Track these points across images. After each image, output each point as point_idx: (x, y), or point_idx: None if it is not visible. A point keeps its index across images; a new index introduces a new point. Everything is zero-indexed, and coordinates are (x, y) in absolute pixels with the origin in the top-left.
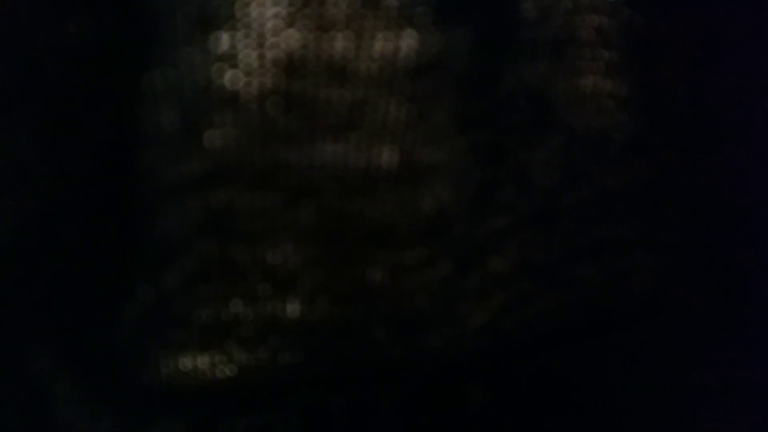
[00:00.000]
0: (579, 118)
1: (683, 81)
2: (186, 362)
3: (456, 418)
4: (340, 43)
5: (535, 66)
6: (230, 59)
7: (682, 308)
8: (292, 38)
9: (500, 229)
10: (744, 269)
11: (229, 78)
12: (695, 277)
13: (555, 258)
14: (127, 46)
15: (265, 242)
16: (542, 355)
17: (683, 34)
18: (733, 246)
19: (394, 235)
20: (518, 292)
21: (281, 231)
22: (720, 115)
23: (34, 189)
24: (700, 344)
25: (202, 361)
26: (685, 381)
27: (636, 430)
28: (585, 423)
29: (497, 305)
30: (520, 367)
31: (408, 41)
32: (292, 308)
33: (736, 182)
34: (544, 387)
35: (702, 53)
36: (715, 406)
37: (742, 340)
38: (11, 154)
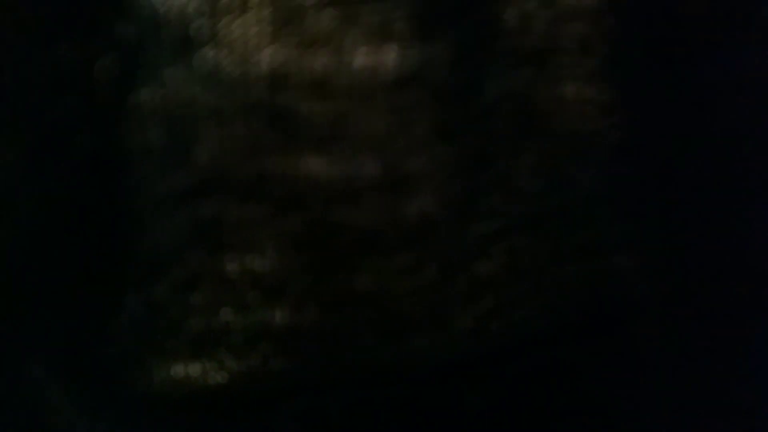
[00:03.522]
0: (562, 124)
1: (663, 87)
2: (178, 370)
3: (450, 418)
4: (321, 59)
5: (518, 74)
6: (214, 76)
7: (665, 308)
8: (274, 55)
9: (486, 234)
10: (726, 269)
11: (214, 94)
12: (678, 277)
13: (541, 261)
14: (112, 68)
15: (253, 251)
16: (530, 355)
17: (662, 41)
18: (715, 247)
19: (379, 243)
20: (505, 295)
21: (268, 240)
22: (699, 120)
23: (24, 208)
24: (683, 343)
25: (194, 369)
26: (669, 378)
27: (623, 426)
28: (574, 420)
29: (485, 308)
30: (510, 367)
31: (388, 55)
32: (281, 315)
33: (717, 185)
34: (534, 387)
35: (680, 59)
36: (698, 404)
37: (724, 337)
38: (3, 170)
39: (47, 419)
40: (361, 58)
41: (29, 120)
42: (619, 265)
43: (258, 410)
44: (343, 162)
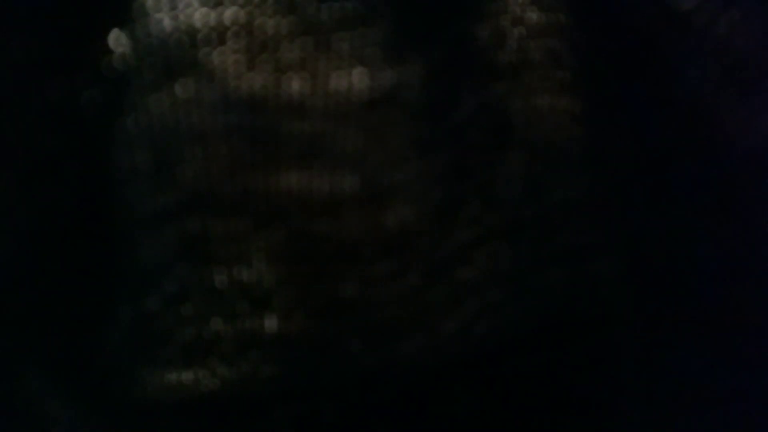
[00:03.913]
0: (538, 134)
1: (633, 95)
2: (171, 378)
3: (438, 420)
4: (296, 83)
5: (493, 88)
6: (196, 102)
7: (643, 311)
8: (252, 80)
9: (467, 241)
10: (703, 272)
11: (197, 118)
12: (654, 281)
13: (522, 266)
14: (98, 98)
15: (240, 263)
16: (513, 358)
17: (630, 53)
18: (691, 250)
19: (361, 252)
20: (487, 300)
21: (254, 252)
22: (671, 126)
23: (18, 230)
24: (661, 345)
25: (187, 377)
26: (647, 379)
27: (603, 425)
28: (557, 420)
29: (468, 313)
30: (494, 369)
31: (359, 78)
32: (270, 324)
33: (692, 190)
34: (517, 388)
35: (649, 69)
36: (676, 404)
37: (702, 340)
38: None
39: (45, 429)
40: (334, 82)
41: (21, 148)
42: (597, 269)
43: (250, 415)
44: (323, 177)
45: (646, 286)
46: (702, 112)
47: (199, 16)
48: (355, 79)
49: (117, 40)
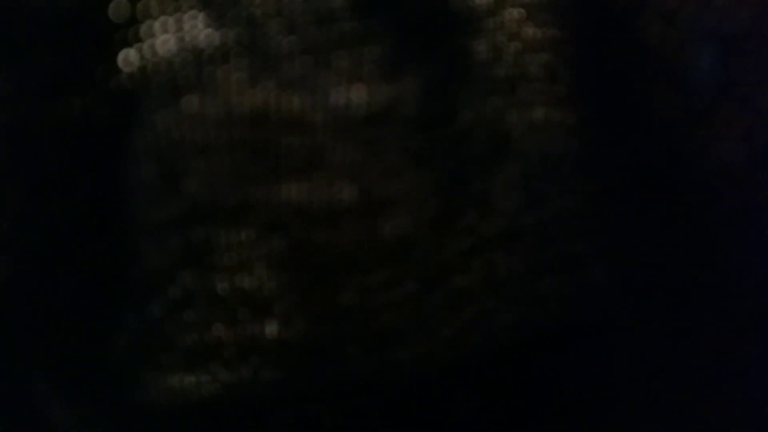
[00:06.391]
0: (533, 145)
1: (627, 108)
2: (173, 382)
3: (433, 425)
4: (297, 99)
5: (490, 101)
6: (200, 117)
7: (639, 318)
8: (254, 97)
9: (464, 250)
10: (698, 283)
11: (201, 133)
12: (650, 290)
13: (518, 274)
14: (109, 115)
15: (241, 271)
16: (509, 364)
17: (624, 66)
18: (688, 260)
19: (359, 260)
20: (484, 308)
21: (256, 261)
22: (666, 137)
23: (30, 240)
24: (655, 353)
25: (189, 381)
26: (641, 386)
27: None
28: (551, 425)
29: (464, 320)
30: (489, 376)
31: (358, 94)
32: (270, 330)
33: (687, 201)
34: (512, 394)
35: (642, 81)
36: (670, 411)
37: (696, 349)
38: (8, 211)
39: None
40: (333, 97)
41: (35, 162)
42: (592, 278)
43: (249, 419)
44: (322, 188)
45: (641, 294)
46: (694, 125)
47: (204, 36)
48: (354, 95)
49: (126, 60)
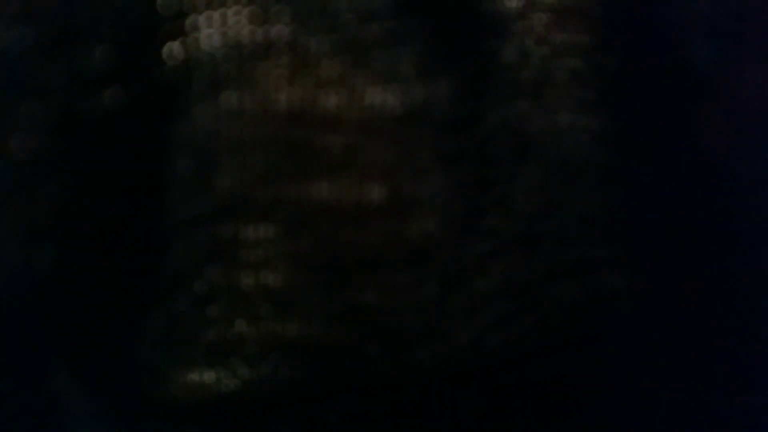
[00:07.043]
0: (557, 150)
1: (653, 115)
2: (194, 377)
3: (447, 426)
4: (333, 98)
5: (515, 105)
6: (238, 113)
7: (656, 324)
8: (292, 94)
9: (485, 253)
10: (717, 290)
11: (237, 128)
12: (669, 296)
13: (537, 279)
14: (150, 107)
15: (266, 268)
16: (526, 367)
17: (649, 74)
18: (708, 268)
19: (383, 261)
20: (503, 311)
21: (281, 258)
22: (687, 145)
23: (67, 232)
24: (671, 358)
25: (209, 376)
26: (656, 391)
27: None
28: (566, 428)
29: (483, 323)
30: (506, 378)
31: (393, 94)
32: (292, 327)
33: (706, 208)
34: (529, 397)
35: (666, 90)
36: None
37: (712, 354)
38: (51, 202)
39: (67, 426)
40: (369, 97)
41: (78, 151)
42: (610, 283)
43: (266, 416)
44: (352, 187)
45: (660, 300)
46: (726, 140)
47: (247, 32)
48: (389, 95)
49: (171, 53)
